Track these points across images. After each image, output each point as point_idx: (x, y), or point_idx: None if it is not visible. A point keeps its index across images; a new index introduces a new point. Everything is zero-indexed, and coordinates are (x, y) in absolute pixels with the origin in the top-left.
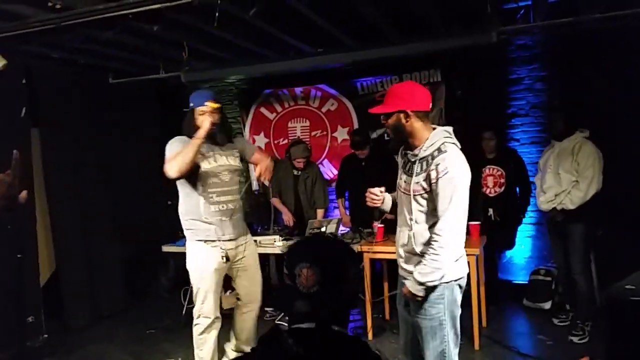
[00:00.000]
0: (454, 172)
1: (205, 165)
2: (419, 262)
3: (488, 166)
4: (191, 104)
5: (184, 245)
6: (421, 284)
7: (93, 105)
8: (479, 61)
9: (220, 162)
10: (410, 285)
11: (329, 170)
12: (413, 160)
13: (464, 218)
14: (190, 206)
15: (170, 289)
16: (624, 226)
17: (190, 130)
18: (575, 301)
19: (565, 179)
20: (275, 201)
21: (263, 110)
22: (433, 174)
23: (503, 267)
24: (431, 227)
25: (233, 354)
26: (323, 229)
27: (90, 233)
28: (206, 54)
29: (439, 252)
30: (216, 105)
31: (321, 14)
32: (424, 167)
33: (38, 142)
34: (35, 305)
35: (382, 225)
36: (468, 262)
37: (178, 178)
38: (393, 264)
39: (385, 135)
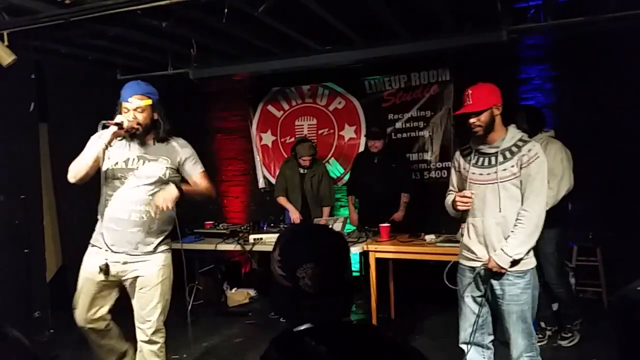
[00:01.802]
0: (543, 158)
1: (107, 163)
2: (507, 238)
3: None
4: (120, 97)
5: (190, 242)
6: (509, 256)
7: (101, 101)
8: (488, 60)
9: (130, 165)
10: (497, 259)
11: (336, 169)
12: (492, 152)
13: (546, 204)
14: (99, 203)
15: (176, 285)
16: (632, 229)
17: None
18: (559, 308)
19: None
20: (282, 200)
21: (270, 108)
22: (525, 158)
23: None
24: (517, 212)
25: None
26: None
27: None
28: (214, 50)
29: (527, 226)
30: (144, 103)
31: (330, 11)
32: (509, 155)
33: (46, 137)
34: (42, 300)
35: (388, 225)
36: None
37: (77, 183)
38: (399, 264)
39: (393, 134)
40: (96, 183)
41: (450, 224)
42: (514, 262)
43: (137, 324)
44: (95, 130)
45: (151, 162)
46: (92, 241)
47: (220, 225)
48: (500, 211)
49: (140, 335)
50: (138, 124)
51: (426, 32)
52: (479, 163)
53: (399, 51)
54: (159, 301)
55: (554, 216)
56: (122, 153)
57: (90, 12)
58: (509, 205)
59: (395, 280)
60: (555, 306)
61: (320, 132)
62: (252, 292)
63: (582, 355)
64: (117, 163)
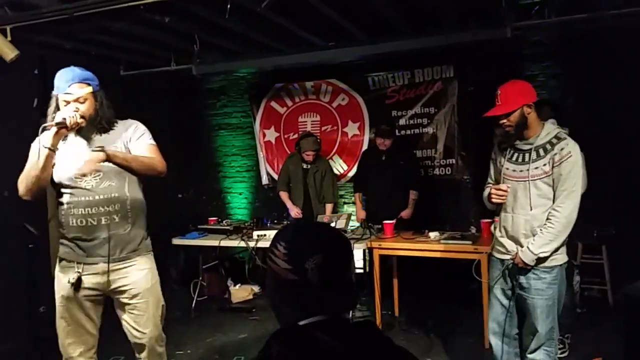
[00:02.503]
0: (576, 157)
1: (56, 168)
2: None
3: None
4: (54, 88)
5: (194, 238)
6: (534, 254)
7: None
8: (492, 57)
9: (77, 163)
10: (522, 255)
11: (339, 166)
12: (526, 149)
13: (579, 203)
14: (58, 214)
15: (180, 281)
16: (637, 226)
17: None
18: None
19: None
20: (283, 195)
21: (273, 104)
22: (557, 157)
23: None
24: (546, 211)
25: None
26: (333, 224)
27: None
28: (217, 46)
29: (555, 226)
30: (85, 91)
31: (333, 6)
32: (542, 153)
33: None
34: (47, 296)
35: (392, 222)
36: (479, 260)
37: (32, 199)
38: (403, 261)
39: (397, 131)
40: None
41: (455, 221)
42: (540, 259)
43: (131, 337)
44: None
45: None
46: (60, 254)
47: (224, 221)
48: (531, 209)
49: (136, 348)
50: (82, 117)
51: (430, 28)
52: (514, 159)
53: (403, 47)
54: (153, 308)
55: None
56: (69, 154)
57: (94, 7)
58: (539, 204)
59: (400, 277)
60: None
61: (323, 128)
62: (255, 288)
63: (588, 353)
64: (67, 167)
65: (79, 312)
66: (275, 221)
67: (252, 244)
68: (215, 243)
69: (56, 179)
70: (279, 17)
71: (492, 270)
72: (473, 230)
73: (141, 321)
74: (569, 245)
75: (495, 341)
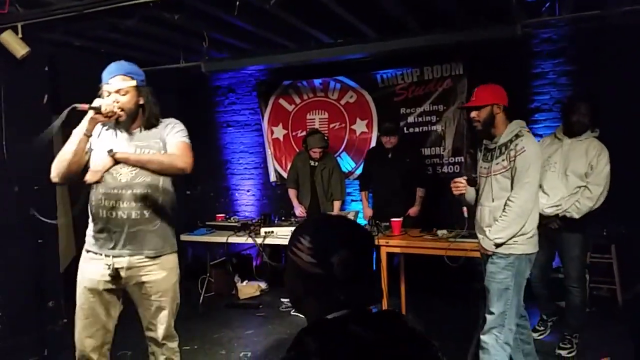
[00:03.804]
0: (530, 151)
1: (96, 157)
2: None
3: None
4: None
5: (202, 234)
6: (490, 239)
7: None
8: (502, 55)
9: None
10: (482, 242)
11: (347, 163)
12: (492, 147)
13: (536, 194)
14: (88, 204)
15: (188, 277)
16: None
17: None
18: (565, 313)
19: (573, 183)
20: (291, 192)
21: (282, 101)
22: (512, 152)
23: None
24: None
25: None
26: None
27: None
28: (226, 44)
29: (509, 215)
30: (127, 84)
31: (342, 4)
32: (503, 150)
33: (60, 130)
34: (56, 290)
35: (400, 219)
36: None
37: (60, 182)
38: (410, 258)
39: (405, 128)
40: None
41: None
42: (499, 245)
43: (147, 331)
44: (107, 123)
45: (143, 151)
46: (86, 246)
47: (232, 218)
48: (493, 201)
49: (152, 343)
50: (120, 108)
51: (439, 26)
52: (485, 158)
53: (412, 45)
54: (170, 306)
55: (582, 221)
56: (109, 145)
57: (103, 5)
58: (500, 196)
59: (407, 275)
60: (561, 304)
61: (331, 126)
62: (263, 285)
63: (596, 352)
64: (101, 155)
65: (99, 306)
66: (283, 218)
67: (259, 240)
68: (222, 240)
69: (93, 169)
70: (288, 14)
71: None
72: None
73: (159, 317)
74: (587, 250)
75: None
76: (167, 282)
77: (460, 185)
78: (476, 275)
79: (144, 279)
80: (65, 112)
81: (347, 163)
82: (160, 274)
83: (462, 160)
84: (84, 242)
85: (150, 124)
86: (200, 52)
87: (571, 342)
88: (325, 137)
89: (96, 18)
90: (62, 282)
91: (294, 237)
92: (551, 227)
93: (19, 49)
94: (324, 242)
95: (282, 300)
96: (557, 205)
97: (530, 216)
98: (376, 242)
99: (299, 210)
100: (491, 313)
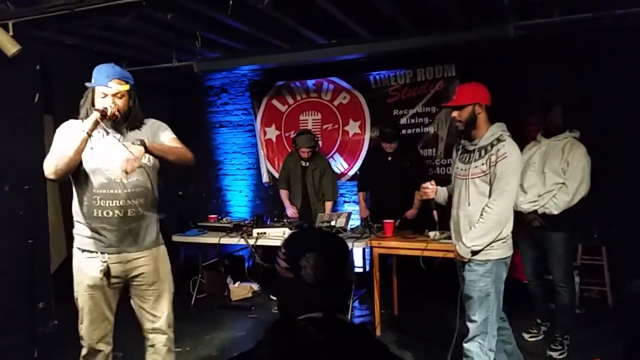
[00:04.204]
0: (512, 157)
1: (88, 159)
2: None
3: None
4: (92, 80)
5: (194, 235)
6: (467, 247)
7: None
8: (495, 56)
9: (112, 157)
10: (459, 249)
11: (340, 164)
12: (472, 149)
13: (513, 201)
14: (76, 205)
15: (180, 278)
16: (637, 228)
17: (87, 113)
18: (555, 313)
19: (550, 180)
20: (282, 193)
21: (275, 102)
22: (493, 158)
23: (513, 266)
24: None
25: None
26: (333, 223)
27: None
28: (219, 43)
29: (486, 222)
30: (123, 88)
31: (336, 4)
32: (483, 153)
33: (51, 129)
34: (46, 291)
35: (392, 221)
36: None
37: (56, 179)
38: (402, 260)
39: (404, 130)
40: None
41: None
42: (475, 252)
43: (146, 323)
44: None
45: (132, 150)
46: (79, 246)
47: (224, 219)
48: (469, 205)
49: (153, 333)
50: (117, 110)
51: (432, 27)
52: (463, 159)
53: (405, 45)
54: (169, 295)
55: (564, 219)
56: (100, 145)
57: (95, 3)
58: (477, 201)
59: (399, 276)
60: (552, 306)
61: (324, 127)
62: (255, 287)
63: (586, 354)
64: (95, 157)
65: (102, 300)
66: (275, 219)
67: (252, 241)
68: (215, 240)
69: (88, 169)
70: (281, 14)
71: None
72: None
73: (158, 306)
74: (573, 249)
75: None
76: (162, 272)
77: (428, 190)
78: None
79: (141, 270)
80: (95, 115)
81: (339, 164)
82: (155, 264)
83: None
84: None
85: (135, 125)
86: (192, 52)
87: (562, 343)
88: (316, 137)
89: (88, 16)
90: (53, 283)
91: (279, 248)
92: (534, 226)
93: (10, 47)
94: (295, 248)
95: (273, 299)
96: (534, 201)
97: (508, 222)
98: (368, 244)
99: (291, 211)
100: (473, 321)
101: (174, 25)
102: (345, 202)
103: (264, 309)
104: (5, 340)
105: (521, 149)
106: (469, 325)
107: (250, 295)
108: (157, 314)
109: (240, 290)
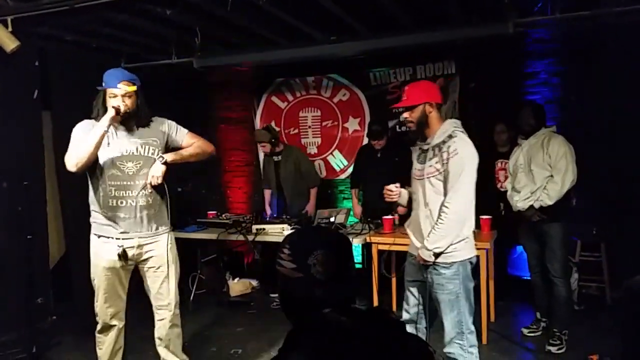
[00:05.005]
0: (463, 153)
1: (103, 154)
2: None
3: (500, 160)
4: (103, 84)
5: (193, 231)
6: (429, 250)
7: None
8: (494, 54)
9: (123, 151)
10: (421, 252)
11: (339, 161)
12: (426, 148)
13: (471, 198)
14: (91, 196)
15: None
16: (636, 224)
17: (99, 114)
18: (552, 307)
19: (539, 175)
20: (265, 193)
21: (274, 99)
22: (445, 155)
23: (513, 263)
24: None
25: None
26: (332, 219)
27: None
28: (219, 39)
29: (445, 222)
30: (131, 89)
31: (335, 1)
32: (436, 152)
33: (50, 125)
34: (45, 287)
35: (391, 217)
36: (478, 256)
37: (78, 172)
38: (401, 256)
39: (397, 127)
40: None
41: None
42: (438, 254)
43: (156, 301)
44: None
45: (144, 147)
46: (96, 232)
47: (223, 215)
48: (426, 205)
49: (160, 309)
50: (123, 111)
51: (432, 24)
52: (419, 159)
53: (405, 42)
54: (174, 277)
55: (558, 210)
56: (115, 141)
57: None
58: (434, 200)
59: (397, 272)
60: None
61: (324, 124)
62: (254, 283)
63: (585, 350)
64: (109, 151)
65: (116, 280)
66: (275, 215)
67: (251, 238)
68: (214, 237)
69: (104, 163)
70: (281, 10)
71: (407, 264)
72: None
73: (166, 286)
74: (568, 241)
75: (409, 330)
76: (170, 255)
77: (392, 193)
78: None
79: (151, 254)
80: (111, 112)
81: (339, 161)
82: (164, 248)
83: None
84: (74, 238)
85: (143, 123)
86: (192, 48)
87: (560, 338)
88: (273, 130)
89: (87, 12)
90: (51, 279)
91: (278, 251)
92: (533, 220)
93: (9, 43)
94: (301, 247)
95: (272, 296)
96: (527, 198)
97: (467, 221)
98: (368, 240)
99: (268, 212)
100: (447, 324)
101: (174, 21)
102: (344, 198)
103: (262, 305)
104: (3, 336)
105: (493, 149)
106: (445, 328)
107: (249, 291)
108: (164, 293)
109: (239, 286)
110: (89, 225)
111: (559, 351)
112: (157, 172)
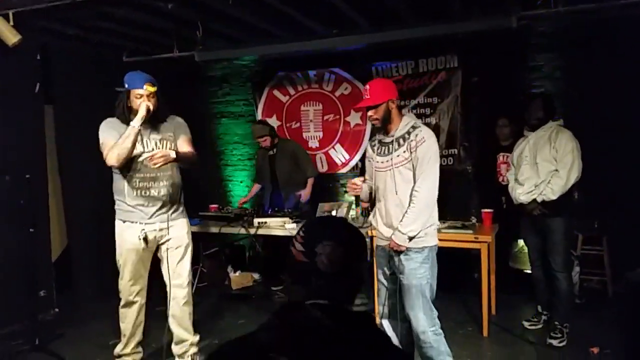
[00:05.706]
0: (430, 142)
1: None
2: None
3: (502, 153)
4: (126, 85)
5: (195, 224)
6: (403, 233)
7: (107, 83)
8: (497, 47)
9: (147, 148)
10: (395, 238)
11: (341, 155)
12: (389, 141)
13: (437, 184)
14: (117, 186)
15: None
16: (638, 218)
17: (123, 112)
18: (554, 301)
19: (544, 169)
20: (255, 187)
21: (276, 92)
22: (413, 143)
23: (514, 256)
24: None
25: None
26: (334, 213)
27: (101, 210)
28: (220, 33)
29: (416, 205)
30: (153, 89)
31: None
32: (402, 142)
33: (52, 119)
34: (47, 280)
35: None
36: (480, 250)
37: (118, 167)
38: None
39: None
40: (99, 165)
41: (456, 210)
42: (411, 239)
43: (171, 280)
44: (100, 112)
45: (162, 142)
46: (122, 217)
47: (225, 208)
48: (396, 194)
49: (175, 287)
50: (152, 110)
51: (435, 17)
52: (381, 152)
53: (407, 35)
54: (189, 257)
55: (561, 205)
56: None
57: None
58: (404, 188)
59: None
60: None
61: (326, 117)
62: (255, 276)
63: (586, 343)
64: (137, 147)
65: (139, 261)
66: (276, 209)
67: (252, 231)
68: (216, 230)
69: (133, 156)
70: (283, 4)
71: (377, 258)
72: (474, 220)
73: (180, 267)
74: (570, 234)
75: (386, 323)
76: (187, 238)
77: (356, 186)
78: (468, 266)
79: (171, 235)
80: (143, 112)
81: (340, 155)
82: (181, 231)
83: (456, 152)
84: (75, 231)
85: (161, 120)
86: (194, 42)
87: (562, 331)
88: (269, 126)
89: (89, 6)
90: (54, 272)
91: (297, 231)
92: (535, 214)
93: (11, 37)
94: (314, 233)
95: (273, 289)
96: (530, 191)
97: (435, 206)
98: (370, 233)
99: (240, 202)
100: (417, 314)
101: (175, 15)
102: (346, 192)
103: (264, 298)
104: (7, 328)
105: (495, 142)
106: (417, 317)
107: (250, 284)
108: (180, 271)
109: (240, 279)
110: (91, 218)
111: (560, 344)
112: (166, 154)
